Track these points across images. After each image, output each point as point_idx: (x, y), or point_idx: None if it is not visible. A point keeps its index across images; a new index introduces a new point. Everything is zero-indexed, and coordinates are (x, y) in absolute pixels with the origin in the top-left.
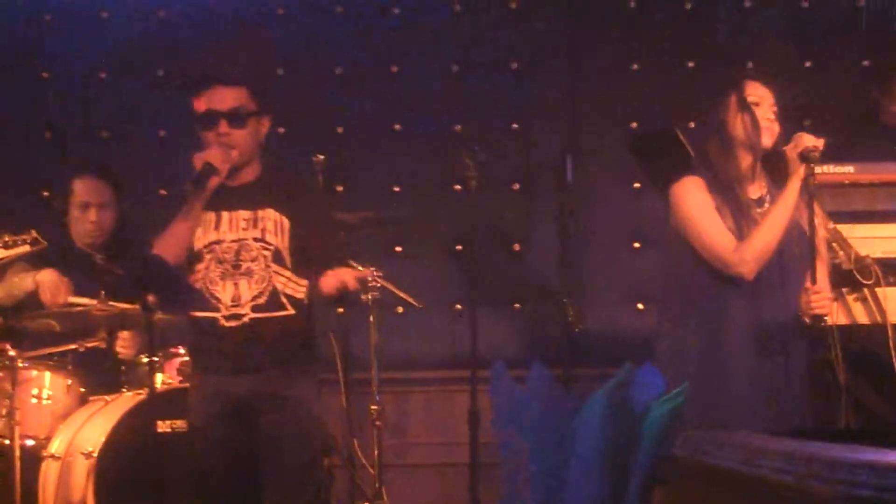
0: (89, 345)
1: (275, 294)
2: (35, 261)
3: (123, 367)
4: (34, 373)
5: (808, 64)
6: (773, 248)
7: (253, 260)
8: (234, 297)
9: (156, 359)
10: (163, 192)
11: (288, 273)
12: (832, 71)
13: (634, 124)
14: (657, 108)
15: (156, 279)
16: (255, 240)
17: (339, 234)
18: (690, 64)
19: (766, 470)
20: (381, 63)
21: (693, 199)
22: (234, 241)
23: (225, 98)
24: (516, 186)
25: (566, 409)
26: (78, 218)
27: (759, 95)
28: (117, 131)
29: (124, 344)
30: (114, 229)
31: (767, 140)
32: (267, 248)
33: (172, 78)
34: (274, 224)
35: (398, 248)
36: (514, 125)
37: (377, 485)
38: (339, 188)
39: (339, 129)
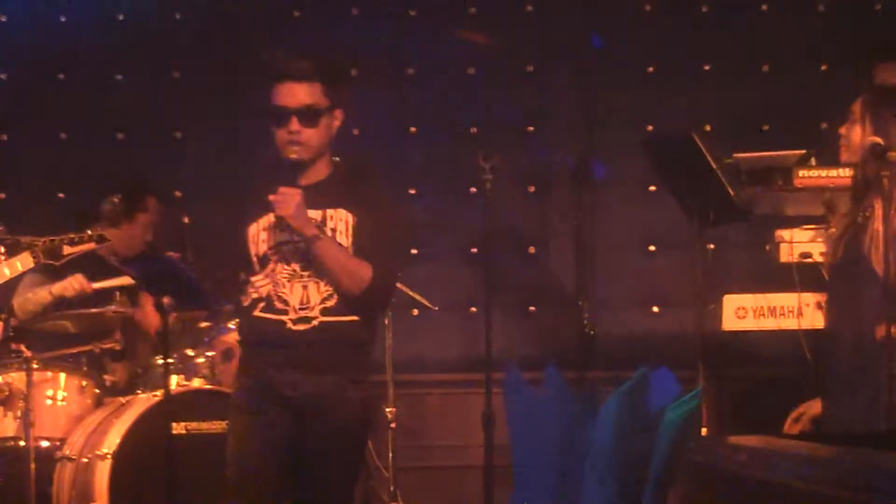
0: (104, 346)
1: (344, 297)
2: (48, 269)
3: (139, 370)
4: (49, 374)
5: (823, 68)
6: None
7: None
8: (302, 299)
9: (171, 361)
10: (177, 193)
11: None
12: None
13: (650, 127)
14: (673, 110)
15: (171, 281)
16: None
17: (406, 237)
18: (706, 67)
19: (781, 475)
20: (396, 65)
21: None
22: (300, 241)
23: (297, 94)
24: (532, 189)
25: (580, 412)
26: (136, 235)
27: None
28: (133, 133)
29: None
30: None
31: None
32: None
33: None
34: (345, 224)
35: (413, 251)
36: (530, 128)
37: (392, 487)
38: None
39: (355, 132)
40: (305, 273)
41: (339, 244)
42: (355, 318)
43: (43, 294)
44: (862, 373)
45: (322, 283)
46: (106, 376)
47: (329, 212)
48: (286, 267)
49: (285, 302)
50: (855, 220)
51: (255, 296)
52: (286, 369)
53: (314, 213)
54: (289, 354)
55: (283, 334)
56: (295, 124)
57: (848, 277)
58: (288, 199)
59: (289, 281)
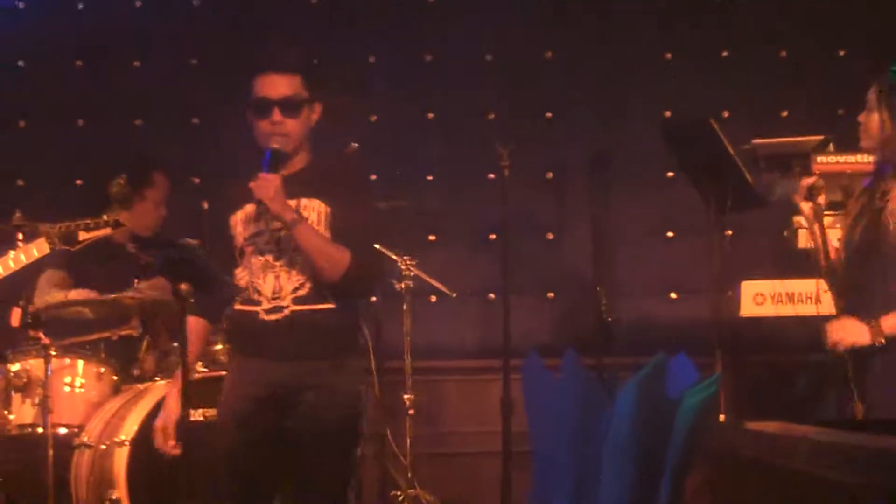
0: (122, 333)
1: (317, 285)
2: (64, 259)
3: (158, 356)
4: (67, 361)
5: (841, 53)
6: None
7: (295, 249)
8: (274, 289)
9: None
10: (196, 180)
11: None
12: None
13: (668, 113)
14: (691, 97)
15: (188, 268)
16: None
17: (376, 225)
18: (724, 53)
19: (798, 461)
20: (414, 52)
21: None
22: (274, 231)
23: (278, 85)
24: (549, 175)
25: (599, 399)
26: (149, 211)
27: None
28: (151, 120)
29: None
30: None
31: None
32: None
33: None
34: (318, 214)
35: (432, 237)
36: (548, 114)
37: (410, 474)
38: (373, 177)
39: (373, 118)
40: (278, 263)
41: (318, 230)
42: (331, 305)
43: (59, 297)
44: (877, 357)
45: (294, 272)
46: (135, 371)
47: (303, 201)
48: (260, 258)
49: (259, 292)
50: (872, 204)
51: (235, 288)
52: (260, 359)
53: (289, 202)
54: (262, 344)
55: (255, 324)
56: (277, 115)
57: (865, 261)
58: (267, 183)
59: (263, 271)
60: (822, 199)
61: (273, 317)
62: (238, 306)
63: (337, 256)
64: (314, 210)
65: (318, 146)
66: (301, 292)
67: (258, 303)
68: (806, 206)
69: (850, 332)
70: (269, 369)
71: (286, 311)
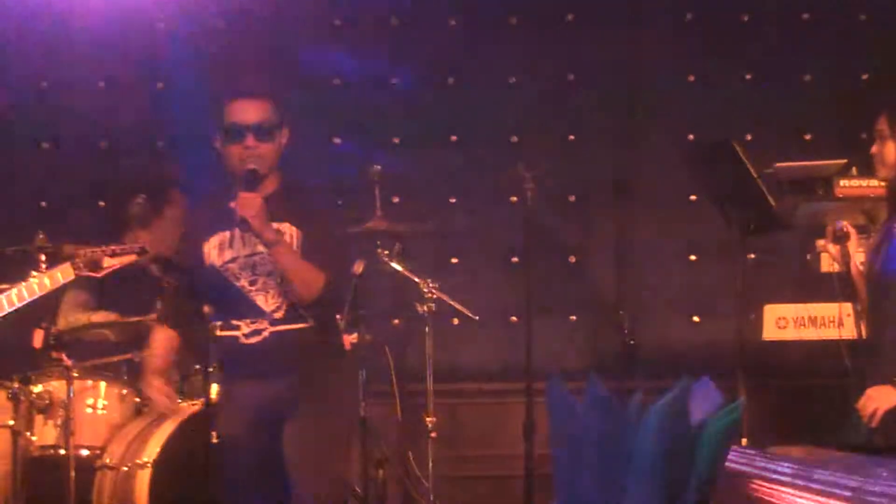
0: (145, 355)
1: (293, 307)
2: (87, 280)
3: (179, 379)
4: (89, 383)
5: (864, 77)
6: None
7: (269, 274)
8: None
9: (210, 369)
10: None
11: None
12: None
13: (691, 136)
14: (714, 119)
15: (211, 290)
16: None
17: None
18: (747, 76)
19: (820, 486)
20: (437, 74)
21: None
22: (248, 257)
23: (251, 111)
24: (572, 198)
25: (621, 423)
26: (168, 228)
27: None
28: (173, 142)
29: None
30: None
31: None
32: None
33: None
34: (289, 237)
35: (454, 260)
36: (571, 137)
37: (432, 497)
38: (395, 199)
39: (396, 140)
40: (253, 287)
41: (295, 251)
42: (307, 324)
43: (83, 320)
44: None
45: (269, 296)
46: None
47: (274, 226)
48: (235, 282)
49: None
50: (892, 229)
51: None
52: (246, 382)
53: None
54: (246, 367)
55: (237, 349)
56: (251, 140)
57: (886, 286)
58: (249, 202)
59: None
60: (850, 244)
61: (252, 340)
62: (219, 332)
63: (314, 276)
64: (286, 233)
65: (288, 170)
66: (278, 314)
67: (237, 327)
68: (834, 250)
69: (883, 400)
70: (254, 392)
71: (265, 334)
